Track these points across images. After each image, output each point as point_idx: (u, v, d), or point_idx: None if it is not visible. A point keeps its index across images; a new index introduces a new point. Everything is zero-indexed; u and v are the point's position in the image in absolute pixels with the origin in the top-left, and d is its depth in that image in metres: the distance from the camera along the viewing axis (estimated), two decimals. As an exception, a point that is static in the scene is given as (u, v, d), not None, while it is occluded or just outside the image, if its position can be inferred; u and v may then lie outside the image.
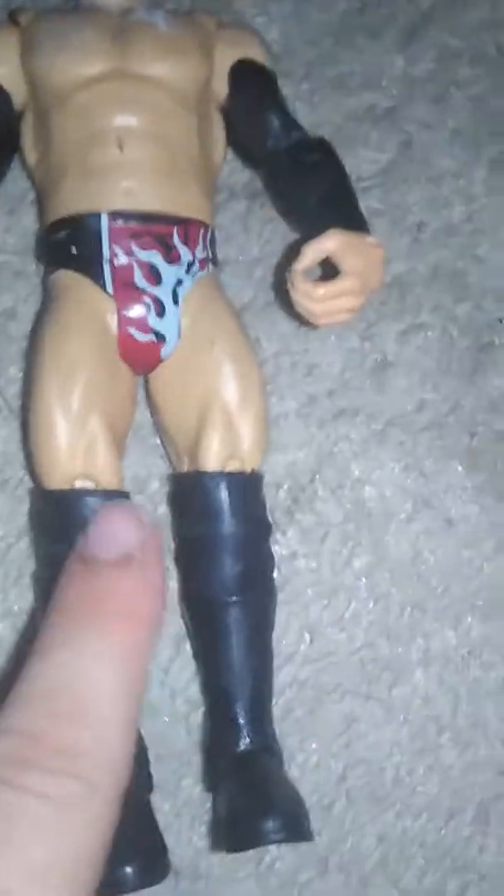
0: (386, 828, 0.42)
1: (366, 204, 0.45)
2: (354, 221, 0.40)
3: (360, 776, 0.42)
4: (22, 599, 0.41)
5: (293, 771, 0.42)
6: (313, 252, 0.38)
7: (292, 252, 0.40)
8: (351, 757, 0.42)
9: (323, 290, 0.38)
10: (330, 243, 0.38)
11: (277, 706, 0.42)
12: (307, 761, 0.42)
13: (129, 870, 0.34)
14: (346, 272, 0.38)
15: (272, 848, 0.41)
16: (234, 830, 0.37)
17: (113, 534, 0.13)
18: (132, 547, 0.13)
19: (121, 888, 0.33)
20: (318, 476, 0.44)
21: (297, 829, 0.36)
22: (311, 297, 0.38)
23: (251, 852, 0.41)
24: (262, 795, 0.36)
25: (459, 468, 0.44)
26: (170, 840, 0.40)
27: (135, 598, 0.12)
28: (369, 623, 0.43)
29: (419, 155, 0.47)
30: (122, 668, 0.12)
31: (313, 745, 0.42)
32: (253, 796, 0.36)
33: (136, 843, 0.34)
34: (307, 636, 0.43)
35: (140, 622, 0.13)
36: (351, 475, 0.44)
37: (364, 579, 0.43)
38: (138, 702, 0.13)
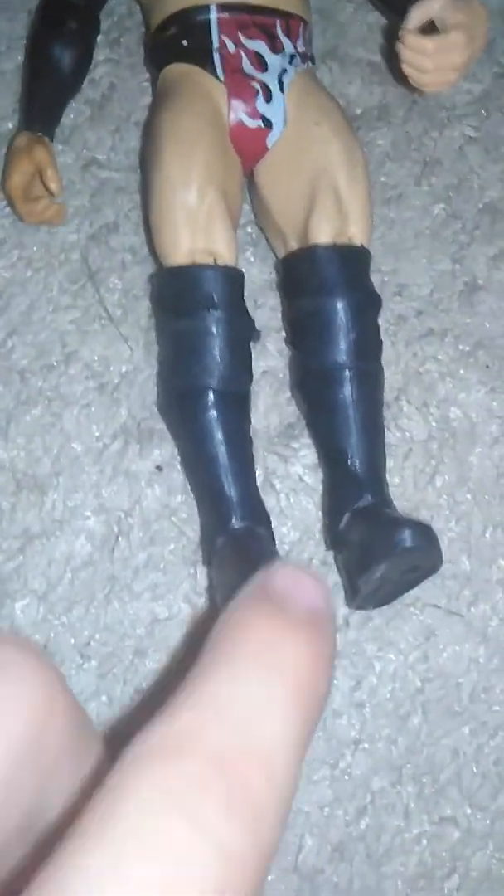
0: (461, 743, 0.42)
1: (461, 131, 0.46)
2: None
3: (437, 689, 0.42)
4: (116, 497, 0.43)
5: (370, 679, 0.42)
6: (421, 11, 0.40)
7: (398, 28, 0.42)
8: (429, 670, 0.42)
9: (433, 43, 0.40)
10: (436, 2, 0.40)
11: (355, 615, 0.43)
12: (384, 669, 0.42)
13: None
14: (453, 26, 0.40)
15: (346, 753, 0.41)
16: (366, 554, 0.37)
17: (304, 592, 0.13)
18: (320, 612, 0.13)
19: None
20: (403, 394, 0.44)
21: (429, 539, 0.37)
22: (424, 50, 0.40)
23: (326, 755, 0.41)
24: (391, 523, 0.37)
25: (547, 393, 0.44)
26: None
27: (315, 666, 0.12)
28: (450, 540, 0.43)
29: (516, 86, 0.47)
30: (297, 727, 0.12)
31: (391, 655, 0.42)
32: (380, 528, 0.37)
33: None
34: (388, 550, 0.43)
35: (317, 690, 0.12)
36: (437, 395, 0.44)
37: (446, 497, 0.44)
38: (301, 763, 0.12)
